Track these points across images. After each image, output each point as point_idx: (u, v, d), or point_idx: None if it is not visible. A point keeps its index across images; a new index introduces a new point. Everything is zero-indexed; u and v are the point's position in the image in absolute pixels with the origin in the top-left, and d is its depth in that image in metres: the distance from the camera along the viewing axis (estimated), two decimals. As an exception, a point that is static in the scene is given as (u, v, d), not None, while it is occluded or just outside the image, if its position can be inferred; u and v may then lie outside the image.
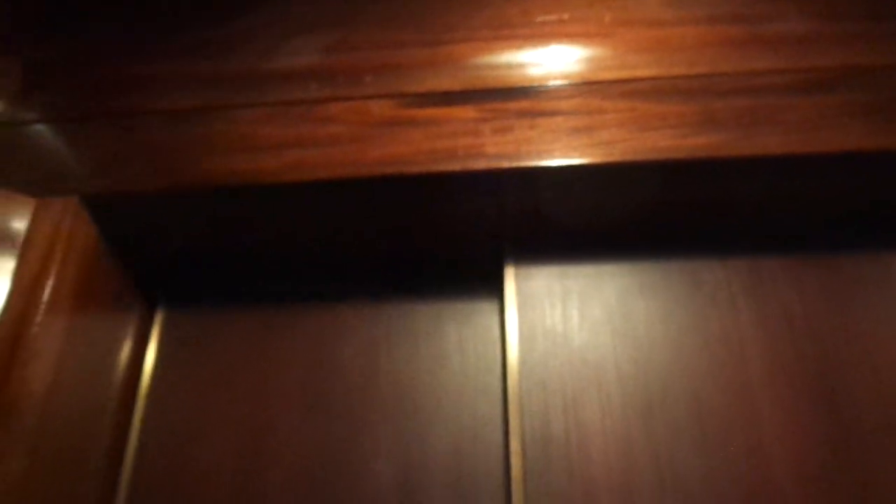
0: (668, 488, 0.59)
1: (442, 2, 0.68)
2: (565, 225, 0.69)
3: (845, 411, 0.60)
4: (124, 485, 0.66)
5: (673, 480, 0.59)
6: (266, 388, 0.70)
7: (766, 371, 0.63)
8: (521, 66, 0.64)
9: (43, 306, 0.56)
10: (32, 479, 0.54)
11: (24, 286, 0.57)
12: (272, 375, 0.71)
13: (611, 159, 0.59)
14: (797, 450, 0.59)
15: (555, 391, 0.64)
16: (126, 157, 0.63)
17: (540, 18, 0.66)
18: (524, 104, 0.62)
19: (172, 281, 0.77)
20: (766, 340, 0.64)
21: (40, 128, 0.65)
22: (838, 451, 0.59)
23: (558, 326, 0.67)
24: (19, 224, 0.59)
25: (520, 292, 0.69)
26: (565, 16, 0.66)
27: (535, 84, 0.63)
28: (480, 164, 0.59)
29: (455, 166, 0.59)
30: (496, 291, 0.72)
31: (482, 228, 0.69)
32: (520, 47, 0.65)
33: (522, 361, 0.65)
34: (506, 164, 0.59)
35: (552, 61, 0.64)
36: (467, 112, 0.62)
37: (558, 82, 0.63)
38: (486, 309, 0.72)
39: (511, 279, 0.70)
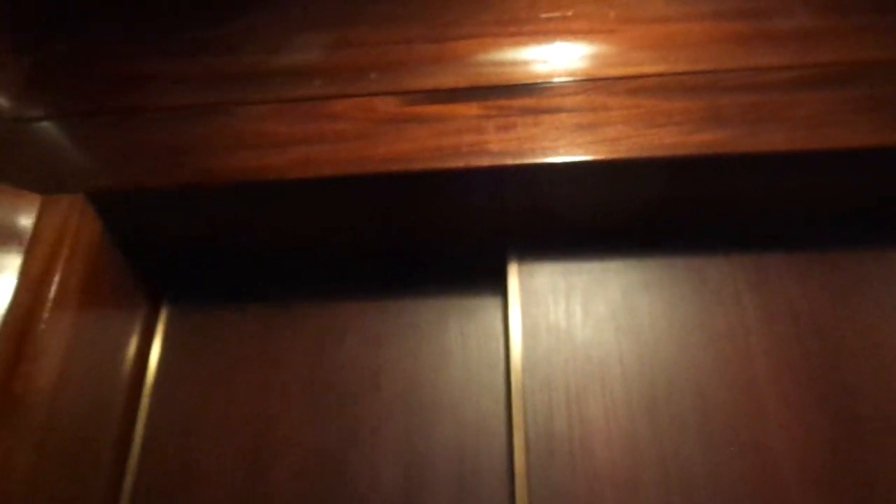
0: (672, 484, 0.59)
1: (446, -2, 0.68)
2: (569, 221, 0.69)
3: (850, 407, 0.60)
4: (129, 480, 0.67)
5: (678, 476, 0.59)
6: (270, 383, 0.70)
7: (771, 367, 0.63)
8: (525, 62, 0.64)
9: (50, 303, 0.57)
10: (40, 473, 0.54)
11: (30, 283, 0.57)
12: (276, 371, 0.71)
13: (615, 156, 0.58)
14: (802, 446, 0.59)
15: (558, 387, 0.64)
16: (132, 154, 0.63)
17: (545, 15, 0.66)
18: (528, 101, 0.62)
19: (177, 278, 0.77)
20: (772, 337, 0.64)
21: (46, 125, 0.66)
22: (843, 446, 0.59)
23: (562, 323, 0.67)
24: (26, 221, 0.59)
25: (523, 289, 0.69)
26: (570, 12, 0.66)
27: (540, 81, 0.63)
28: (484, 162, 0.59)
29: (459, 163, 0.59)
30: (500, 288, 0.72)
31: (486, 225, 0.69)
32: (524, 44, 0.65)
33: (526, 357, 0.66)
34: (509, 162, 0.59)
35: (557, 58, 0.64)
36: (471, 109, 0.62)
37: (563, 79, 0.63)
38: (490, 305, 0.72)
39: (514, 276, 0.70)
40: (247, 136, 0.63)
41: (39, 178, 0.62)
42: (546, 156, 0.59)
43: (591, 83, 0.62)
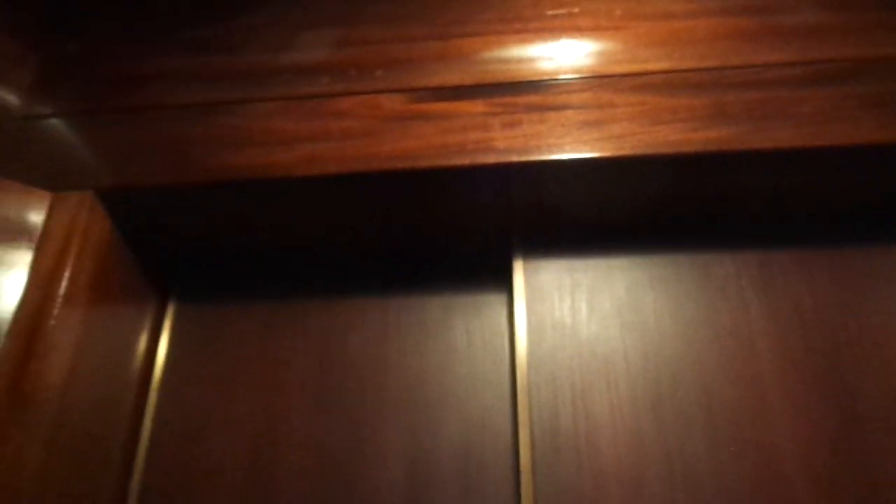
0: (677, 481, 0.59)
1: (452, -4, 0.68)
2: (574, 218, 0.69)
3: (855, 405, 0.60)
4: (137, 476, 0.67)
5: (683, 473, 0.59)
6: (276, 380, 0.71)
7: (776, 364, 0.63)
8: (530, 60, 0.64)
9: (60, 299, 0.57)
10: (50, 470, 0.55)
11: (41, 279, 0.57)
12: (283, 368, 0.71)
13: (621, 153, 0.58)
14: (807, 442, 0.59)
15: (563, 384, 0.64)
16: (140, 151, 0.64)
17: (550, 12, 0.66)
18: (534, 98, 0.62)
19: (184, 275, 0.78)
20: (777, 334, 0.64)
21: (56, 122, 0.66)
22: (848, 443, 0.59)
23: (567, 319, 0.68)
24: (36, 218, 0.60)
25: (528, 285, 0.70)
26: (575, 9, 0.66)
27: (545, 78, 0.63)
28: (490, 159, 0.59)
29: (465, 161, 0.59)
30: (505, 285, 0.72)
31: (491, 222, 0.70)
32: (530, 41, 0.65)
33: (531, 354, 0.66)
34: (515, 159, 0.59)
35: (562, 55, 0.64)
36: (477, 106, 0.62)
37: (568, 76, 0.63)
38: (495, 302, 0.73)
39: (520, 272, 0.70)
40: (254, 133, 0.63)
41: (48, 176, 0.62)
42: (552, 153, 0.59)
43: (596, 80, 0.62)
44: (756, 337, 0.64)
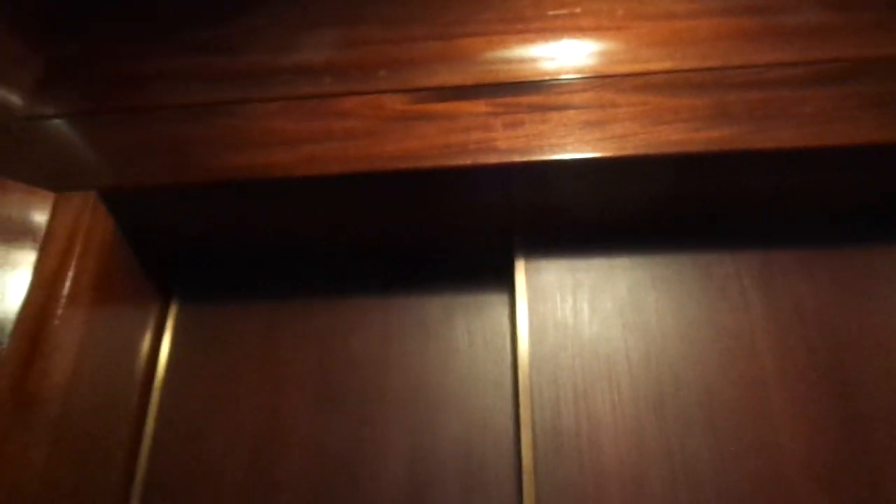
0: (679, 480, 0.59)
1: (454, -4, 0.68)
2: (576, 218, 0.69)
3: (856, 404, 0.60)
4: (140, 475, 0.68)
5: (684, 472, 0.59)
6: (278, 380, 0.71)
7: (777, 364, 0.63)
8: (532, 60, 0.64)
9: (63, 299, 0.57)
10: (54, 468, 0.55)
11: (44, 279, 0.58)
12: (284, 368, 0.72)
13: (623, 153, 0.59)
14: (808, 443, 0.59)
15: (565, 383, 0.64)
16: (143, 152, 0.64)
17: (552, 12, 0.66)
18: (536, 98, 0.62)
19: (187, 274, 0.78)
20: (778, 334, 0.64)
21: (59, 123, 0.66)
22: (849, 444, 0.59)
23: (569, 319, 0.68)
24: (40, 218, 0.60)
25: (530, 285, 0.70)
26: (577, 9, 0.66)
27: (547, 78, 0.63)
28: (492, 159, 0.59)
29: (467, 161, 0.60)
30: (506, 285, 0.72)
31: (493, 222, 0.70)
32: (532, 41, 0.65)
33: (533, 354, 0.66)
34: (517, 159, 0.59)
35: (564, 55, 0.64)
36: (479, 106, 0.62)
37: (570, 76, 0.63)
38: (497, 302, 0.73)
39: (521, 272, 0.70)
40: (256, 133, 0.63)
41: (52, 176, 0.63)
42: (554, 153, 0.59)
43: (598, 80, 0.62)
44: (757, 337, 0.64)
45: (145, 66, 0.69)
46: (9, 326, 0.55)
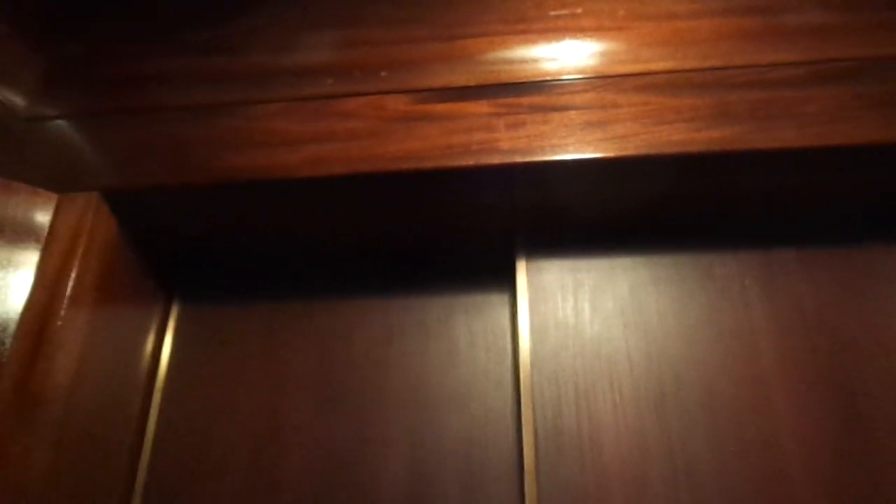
0: (680, 480, 0.59)
1: (455, -4, 0.68)
2: (578, 219, 0.69)
3: (858, 404, 0.60)
4: (142, 475, 0.68)
5: (685, 472, 0.60)
6: (280, 380, 0.71)
7: (778, 364, 0.63)
8: (534, 60, 0.64)
9: (66, 300, 0.57)
10: (57, 469, 0.55)
11: (47, 280, 0.58)
12: (286, 368, 0.72)
13: (625, 153, 0.59)
14: (809, 442, 0.59)
15: (567, 384, 0.64)
16: (145, 152, 0.64)
17: (554, 13, 0.66)
18: (538, 99, 0.62)
19: (189, 275, 0.78)
20: (779, 333, 0.64)
21: (61, 123, 0.66)
22: (850, 443, 0.59)
23: (570, 319, 0.68)
24: (42, 219, 0.60)
25: (531, 285, 0.70)
26: (579, 10, 0.66)
27: (549, 79, 0.63)
28: (494, 160, 0.60)
29: (469, 161, 0.60)
30: (508, 285, 0.72)
31: (495, 222, 0.70)
32: (533, 42, 0.65)
33: (534, 354, 0.66)
34: (519, 159, 0.59)
35: (566, 56, 0.64)
36: (481, 107, 0.62)
37: (572, 77, 0.63)
38: (498, 302, 0.73)
39: (523, 272, 0.70)
40: (259, 134, 0.63)
41: (54, 177, 0.63)
42: (555, 153, 0.59)
43: (600, 80, 0.62)
44: (759, 337, 0.65)
45: (147, 66, 0.69)
46: (12, 327, 0.55)
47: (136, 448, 0.68)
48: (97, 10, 0.73)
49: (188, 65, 0.68)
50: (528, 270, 0.71)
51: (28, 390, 0.54)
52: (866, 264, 0.66)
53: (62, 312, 0.57)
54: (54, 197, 0.61)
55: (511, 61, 0.64)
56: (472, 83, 0.63)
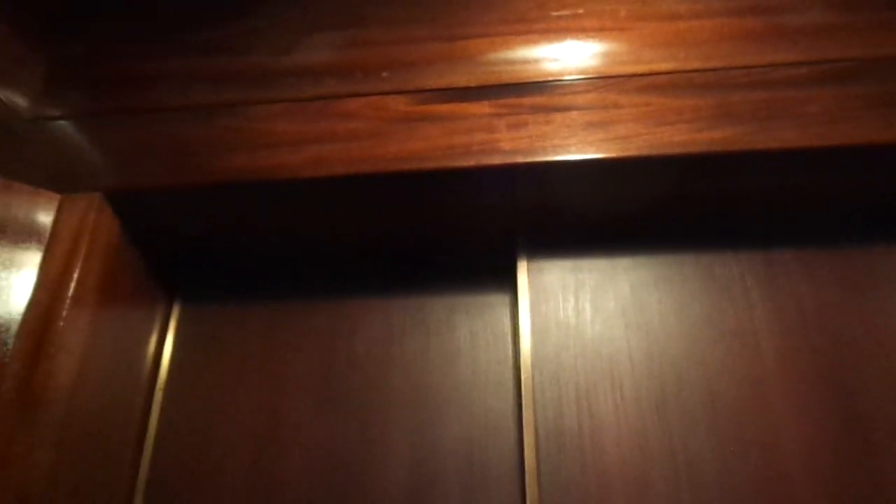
0: (682, 480, 0.59)
1: (457, -3, 0.68)
2: (579, 219, 0.69)
3: (858, 404, 0.60)
4: (143, 475, 0.68)
5: (687, 472, 0.60)
6: (281, 381, 0.71)
7: (779, 364, 0.63)
8: (536, 61, 0.64)
9: (68, 300, 0.57)
10: (59, 469, 0.55)
11: (50, 281, 0.58)
12: (287, 369, 0.72)
13: (626, 154, 0.59)
14: (810, 442, 0.59)
15: (568, 384, 0.64)
16: (148, 153, 0.64)
17: (555, 13, 0.66)
18: (539, 99, 0.62)
19: (190, 275, 0.78)
20: (780, 333, 0.64)
21: (64, 124, 0.66)
22: (851, 443, 0.59)
23: (571, 319, 0.68)
24: (45, 219, 0.60)
25: (533, 286, 0.70)
26: (580, 10, 0.66)
27: (551, 79, 0.63)
28: (495, 160, 0.60)
29: (470, 162, 0.60)
30: (509, 285, 0.73)
31: (496, 223, 0.70)
32: (535, 42, 0.65)
33: (535, 354, 0.66)
34: (521, 160, 0.59)
35: (567, 56, 0.64)
36: (483, 108, 0.62)
37: (573, 77, 0.63)
38: (499, 303, 0.73)
39: (524, 273, 0.70)
40: (260, 135, 0.63)
41: (57, 177, 0.63)
42: (557, 154, 0.59)
43: (601, 81, 0.62)
44: (760, 337, 0.65)
45: (148, 66, 0.69)
46: (14, 327, 0.55)
47: (138, 448, 0.68)
48: (97, 10, 0.73)
49: (189, 65, 0.68)
50: (529, 271, 0.71)
51: (30, 390, 0.54)
52: (867, 264, 0.66)
53: (64, 313, 0.57)
54: (56, 197, 0.61)
55: (512, 62, 0.64)
56: (473, 84, 0.63)
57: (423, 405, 0.68)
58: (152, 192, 0.63)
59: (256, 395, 0.70)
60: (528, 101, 0.62)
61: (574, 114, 0.61)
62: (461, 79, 0.64)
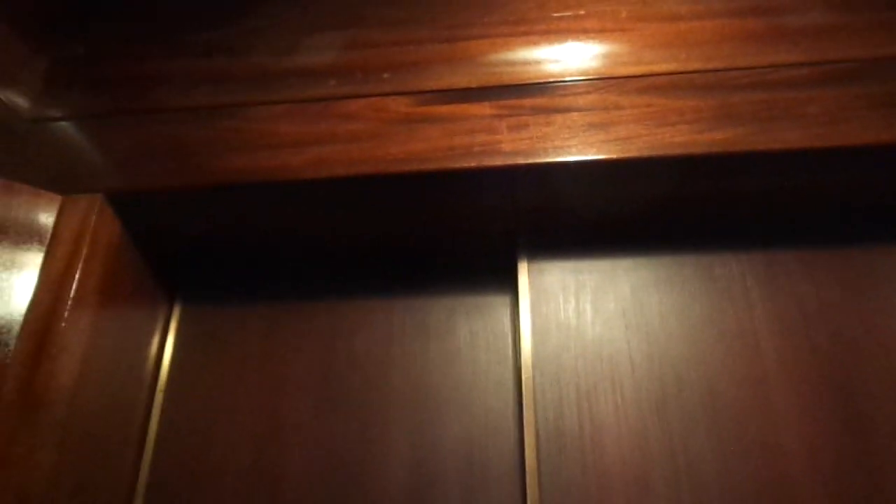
0: (682, 481, 0.59)
1: (458, -2, 0.68)
2: (580, 220, 0.69)
3: (859, 404, 0.60)
4: (144, 475, 0.68)
5: (687, 473, 0.60)
6: (281, 380, 0.71)
7: (780, 364, 0.63)
8: (537, 62, 0.64)
9: (70, 301, 0.57)
10: (60, 469, 0.55)
11: (51, 281, 0.58)
12: (288, 369, 0.72)
13: (627, 155, 0.59)
14: (811, 442, 0.59)
15: (568, 385, 0.64)
16: (149, 154, 0.64)
17: (556, 14, 0.66)
18: (540, 100, 0.62)
19: (191, 275, 0.78)
20: (781, 334, 0.64)
21: (65, 125, 0.66)
22: (852, 443, 0.59)
23: (572, 320, 0.68)
24: (46, 220, 0.60)
25: (533, 287, 0.70)
26: (581, 11, 0.66)
27: (552, 80, 0.63)
28: (496, 161, 0.60)
29: (471, 163, 0.60)
30: (509, 286, 0.73)
31: (497, 224, 0.70)
32: (536, 43, 0.65)
33: (536, 355, 0.66)
34: (521, 161, 0.59)
35: (568, 57, 0.64)
36: (484, 109, 0.62)
37: (574, 78, 0.63)
38: (499, 303, 0.73)
39: (524, 274, 0.70)
40: (260, 136, 0.63)
41: (58, 178, 0.63)
42: (558, 155, 0.59)
43: (602, 82, 0.62)
44: (761, 337, 0.65)
45: (148, 67, 0.69)
46: (16, 328, 0.55)
47: (139, 448, 0.68)
48: (97, 10, 0.73)
49: (189, 66, 0.68)
50: (529, 272, 0.71)
51: (31, 391, 0.54)
52: (867, 264, 0.66)
53: (66, 314, 0.57)
54: (58, 198, 0.61)
55: (513, 63, 0.64)
56: (474, 85, 0.63)
57: (424, 405, 0.68)
58: (153, 192, 0.63)
59: (256, 395, 0.71)
60: (528, 102, 0.62)
61: (575, 115, 0.61)
62: (462, 80, 0.64)
